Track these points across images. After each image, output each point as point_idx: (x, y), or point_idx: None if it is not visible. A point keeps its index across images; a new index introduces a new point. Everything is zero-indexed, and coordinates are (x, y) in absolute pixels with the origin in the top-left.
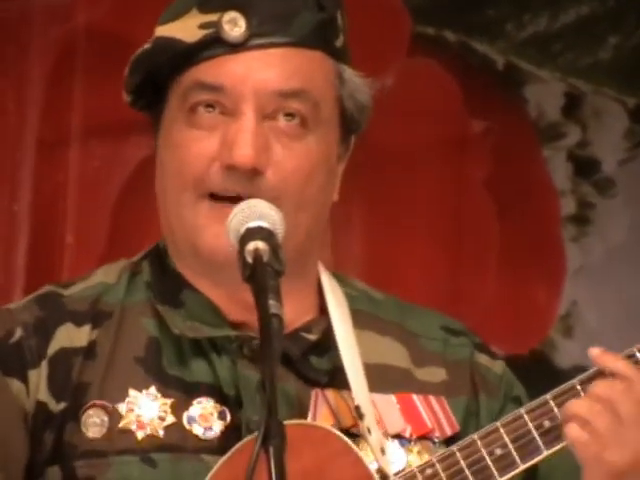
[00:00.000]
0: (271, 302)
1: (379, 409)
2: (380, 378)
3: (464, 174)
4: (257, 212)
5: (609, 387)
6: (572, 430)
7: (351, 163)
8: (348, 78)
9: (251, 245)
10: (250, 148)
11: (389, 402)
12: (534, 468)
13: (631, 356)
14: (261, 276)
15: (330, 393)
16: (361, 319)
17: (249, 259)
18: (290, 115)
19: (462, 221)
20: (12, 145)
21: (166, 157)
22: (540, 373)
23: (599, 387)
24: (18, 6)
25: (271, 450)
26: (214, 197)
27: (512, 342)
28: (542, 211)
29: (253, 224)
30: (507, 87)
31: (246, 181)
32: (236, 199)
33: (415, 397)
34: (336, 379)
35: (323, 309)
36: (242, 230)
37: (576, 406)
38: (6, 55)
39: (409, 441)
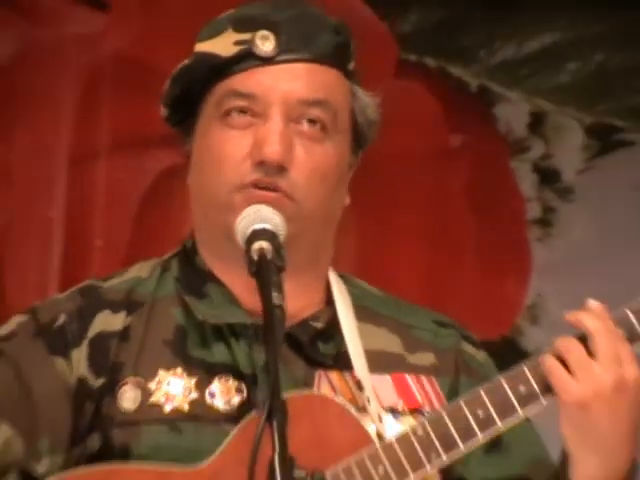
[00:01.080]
0: (274, 294)
1: (375, 386)
2: (377, 361)
3: (444, 182)
4: (261, 216)
5: (593, 324)
6: (546, 359)
7: None
8: (360, 96)
9: (256, 245)
10: (278, 146)
11: (385, 381)
12: (498, 441)
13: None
14: (265, 272)
15: (333, 374)
16: (362, 313)
17: (255, 257)
18: (312, 121)
19: (443, 223)
20: (48, 160)
21: (203, 157)
22: (509, 356)
23: (589, 322)
24: (53, 36)
25: (275, 425)
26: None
27: (485, 329)
28: (511, 215)
29: (258, 226)
30: (480, 106)
31: (274, 174)
32: (266, 189)
33: (408, 377)
34: (339, 362)
35: (329, 302)
36: (248, 232)
37: (557, 341)
38: (43, 80)
39: (401, 414)
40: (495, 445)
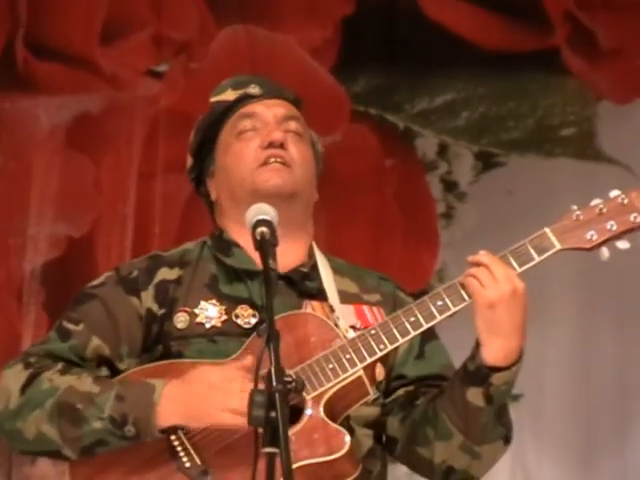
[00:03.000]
0: (270, 262)
1: (341, 312)
2: (343, 297)
3: (381, 190)
4: (262, 211)
5: (488, 259)
6: (467, 279)
7: (319, 184)
8: (312, 133)
9: (259, 229)
10: (280, 132)
11: (348, 309)
12: (422, 352)
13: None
14: (265, 247)
15: (315, 303)
16: (331, 268)
17: (258, 237)
18: (293, 127)
19: (381, 219)
20: (124, 175)
21: (227, 161)
22: None
23: (484, 259)
24: (127, 96)
25: (271, 347)
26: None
27: (409, 286)
28: (426, 211)
29: (260, 217)
30: (405, 140)
31: (280, 148)
32: (276, 163)
33: (364, 307)
34: (319, 295)
35: (311, 257)
36: (253, 221)
37: (470, 271)
38: (121, 125)
39: (359, 330)
40: (421, 355)
